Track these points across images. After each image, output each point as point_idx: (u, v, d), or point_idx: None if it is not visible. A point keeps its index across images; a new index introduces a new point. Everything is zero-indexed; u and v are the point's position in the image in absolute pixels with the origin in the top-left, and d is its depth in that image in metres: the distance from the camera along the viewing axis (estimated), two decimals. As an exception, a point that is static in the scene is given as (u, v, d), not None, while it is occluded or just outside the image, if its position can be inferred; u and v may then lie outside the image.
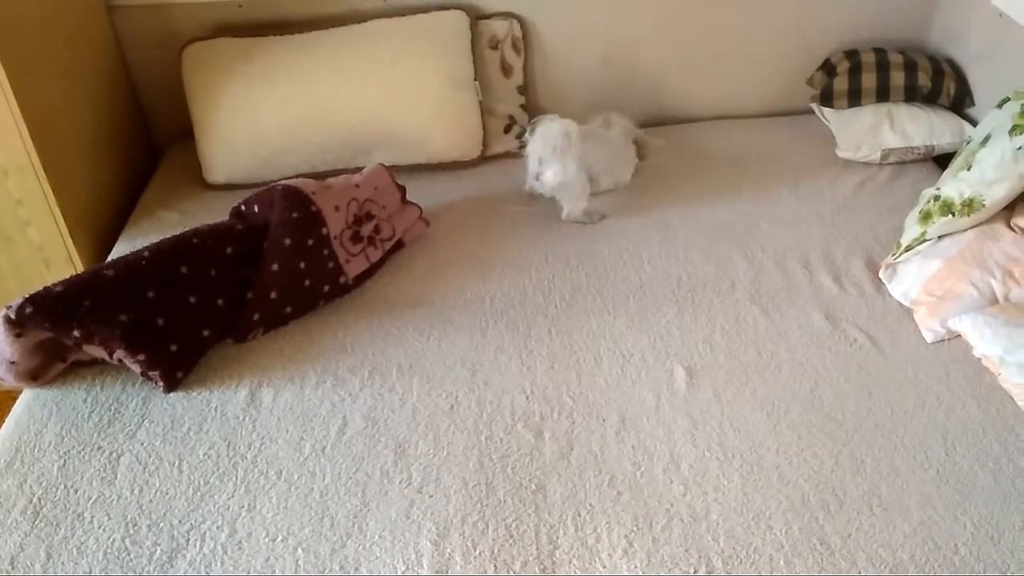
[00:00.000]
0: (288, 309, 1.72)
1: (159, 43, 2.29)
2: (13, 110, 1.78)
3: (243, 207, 1.85)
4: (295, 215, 1.73)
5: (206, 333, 1.64)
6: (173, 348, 1.58)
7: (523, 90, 2.40)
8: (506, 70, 2.37)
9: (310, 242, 1.73)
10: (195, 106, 2.19)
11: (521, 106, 2.41)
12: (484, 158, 2.30)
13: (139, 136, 2.41)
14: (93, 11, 2.18)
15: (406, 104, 2.18)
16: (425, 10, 2.29)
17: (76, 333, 1.52)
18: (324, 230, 1.75)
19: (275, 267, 1.70)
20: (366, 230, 1.82)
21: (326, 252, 1.75)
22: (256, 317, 1.69)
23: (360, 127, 2.18)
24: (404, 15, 2.27)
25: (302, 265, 1.72)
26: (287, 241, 1.71)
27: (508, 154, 2.32)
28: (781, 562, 1.27)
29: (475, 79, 2.25)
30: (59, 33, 1.99)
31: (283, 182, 1.82)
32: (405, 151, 2.22)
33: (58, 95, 1.96)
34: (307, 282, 1.73)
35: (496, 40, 2.35)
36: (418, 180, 2.20)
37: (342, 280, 1.77)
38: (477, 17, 2.35)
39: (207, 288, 1.66)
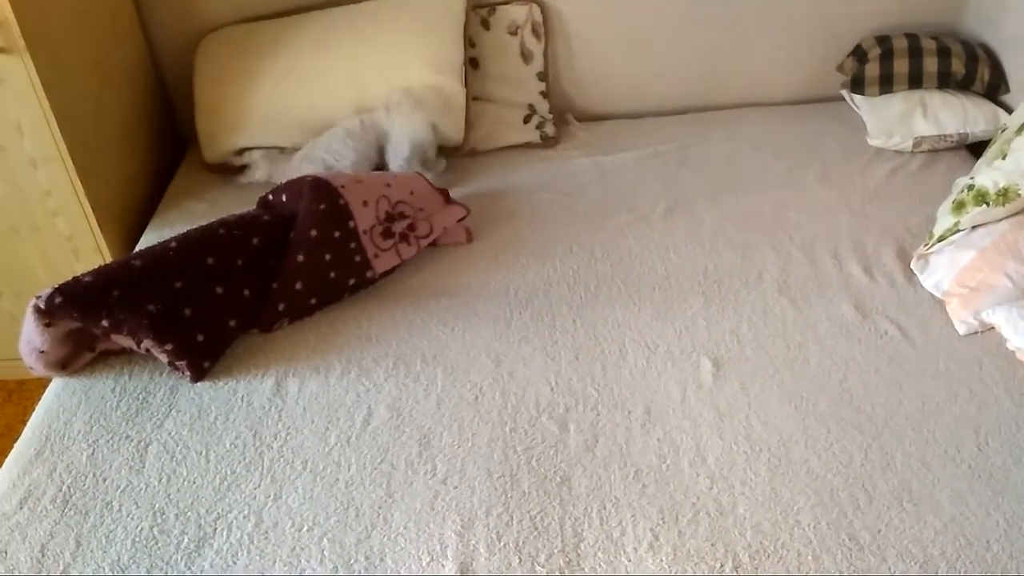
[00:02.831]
0: (313, 300, 1.72)
1: (186, 34, 2.30)
2: (42, 102, 1.79)
3: (271, 196, 1.85)
4: (322, 207, 1.73)
5: (232, 323, 1.65)
6: (200, 338, 1.59)
7: (543, 76, 2.38)
8: (526, 56, 2.35)
9: (336, 234, 1.73)
10: (197, 90, 2.22)
11: (541, 93, 2.39)
12: (505, 148, 2.29)
13: (166, 127, 2.43)
14: (120, 3, 2.19)
15: (386, 86, 2.16)
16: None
17: (104, 323, 1.53)
18: (351, 223, 1.75)
19: (300, 258, 1.70)
20: (398, 227, 1.82)
21: (353, 245, 1.74)
22: (281, 307, 1.69)
23: (342, 107, 2.18)
24: None
25: (328, 257, 1.72)
26: (313, 232, 1.71)
27: (529, 144, 2.31)
28: (809, 557, 1.25)
29: (464, 65, 2.21)
30: (87, 26, 2.00)
31: (313, 173, 1.82)
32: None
33: (86, 87, 1.98)
34: (332, 274, 1.73)
35: (515, 25, 2.33)
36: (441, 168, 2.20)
37: (369, 274, 1.77)
38: (497, 2, 2.33)
39: (233, 279, 1.67)
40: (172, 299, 1.58)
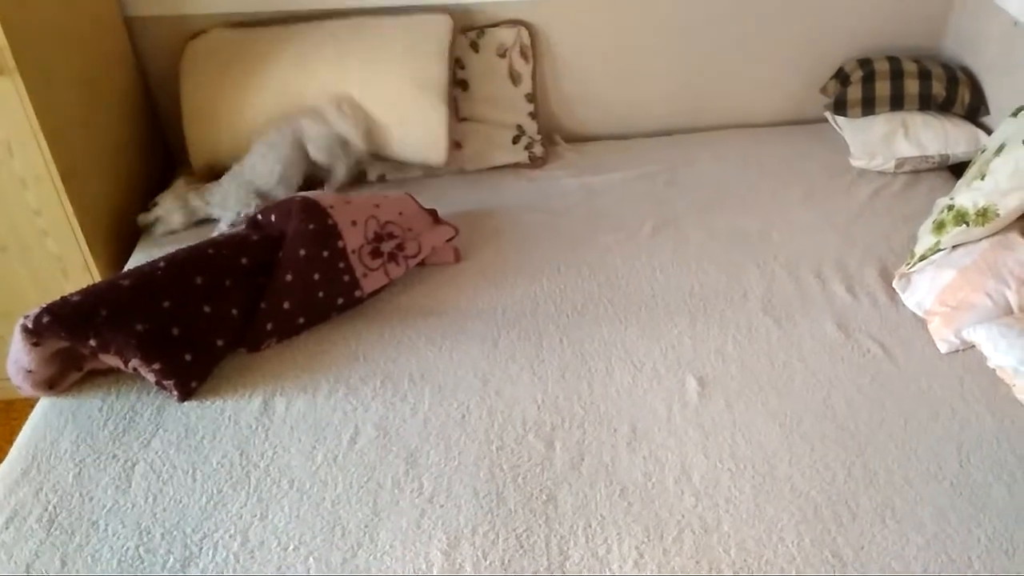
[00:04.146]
0: (301, 320, 1.73)
1: (175, 53, 2.30)
2: (31, 121, 1.80)
3: (259, 216, 1.86)
4: (311, 227, 1.74)
5: (220, 343, 1.65)
6: (188, 358, 1.59)
7: (531, 98, 2.41)
8: (514, 78, 2.38)
9: (325, 254, 1.74)
10: (183, 94, 2.23)
11: (530, 114, 2.41)
12: (494, 168, 2.31)
13: (156, 146, 2.44)
14: (109, 22, 2.21)
15: (369, 102, 2.18)
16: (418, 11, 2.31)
17: (92, 342, 1.53)
18: (340, 243, 1.76)
19: (289, 277, 1.71)
20: (387, 247, 1.83)
21: (342, 265, 1.76)
22: (269, 327, 1.70)
23: None
24: (398, 15, 2.29)
25: (316, 276, 1.73)
26: (302, 252, 1.73)
27: (517, 165, 2.33)
28: (793, 574, 1.26)
29: (449, 85, 2.22)
30: (76, 45, 2.02)
31: (302, 193, 1.83)
32: (368, 146, 2.23)
33: (75, 106, 1.99)
34: (321, 293, 1.74)
35: (504, 48, 2.35)
36: (428, 188, 2.21)
37: (357, 294, 1.78)
38: (485, 25, 2.35)
39: (222, 298, 1.68)
40: (160, 318, 1.59)
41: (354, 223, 1.80)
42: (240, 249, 1.75)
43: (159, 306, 1.60)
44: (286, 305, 1.71)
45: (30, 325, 1.51)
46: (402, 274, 1.86)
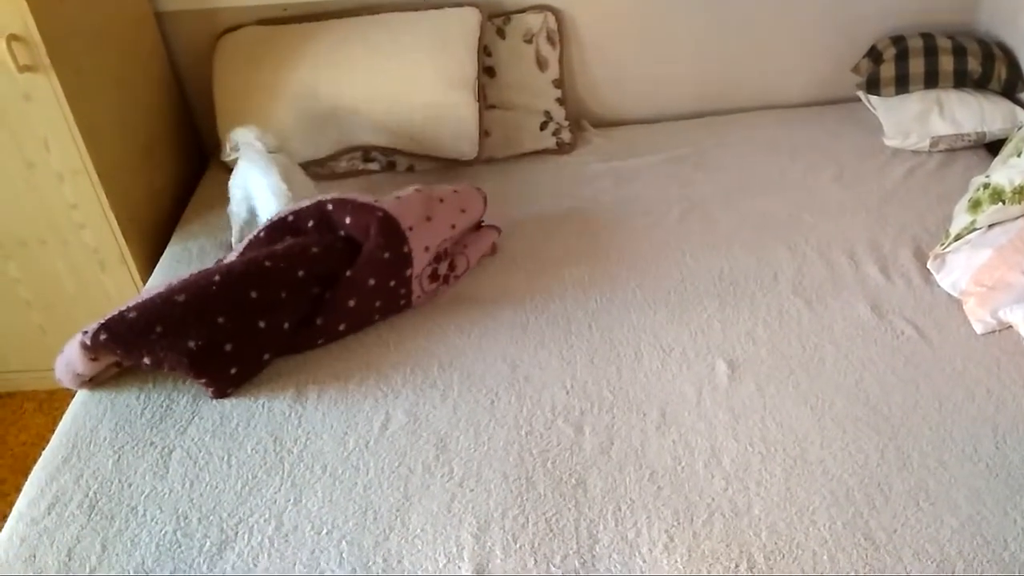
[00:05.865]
0: (350, 335, 1.73)
1: (206, 47, 2.34)
2: (67, 118, 1.84)
3: (330, 207, 1.77)
4: (387, 255, 1.69)
5: (266, 357, 1.64)
6: (233, 371, 1.59)
7: (559, 83, 2.40)
8: (541, 63, 2.37)
9: (392, 283, 1.71)
10: (216, 90, 2.25)
11: (557, 100, 2.41)
12: (522, 155, 2.31)
13: (188, 140, 2.47)
14: (141, 18, 2.24)
15: (400, 99, 2.19)
16: (448, 4, 2.31)
17: (146, 360, 1.55)
18: (408, 271, 1.72)
19: (352, 303, 1.69)
20: (442, 269, 1.80)
21: (403, 291, 1.73)
22: (320, 341, 1.69)
23: (358, 117, 2.20)
24: (428, 9, 2.29)
25: (377, 304, 1.71)
26: (371, 282, 1.69)
27: (545, 151, 2.33)
28: (825, 557, 1.25)
29: (478, 79, 2.22)
30: (110, 42, 2.05)
31: (384, 206, 1.75)
32: (400, 144, 2.24)
33: (110, 102, 2.02)
34: (376, 316, 1.73)
35: (531, 33, 2.35)
36: (457, 177, 2.22)
37: (406, 312, 1.77)
38: (512, 11, 2.35)
39: (276, 312, 1.64)
40: (214, 334, 1.57)
41: (426, 249, 1.75)
42: (298, 261, 1.69)
43: (214, 322, 1.58)
44: (342, 327, 1.70)
45: (88, 342, 1.53)
46: (447, 290, 1.84)
